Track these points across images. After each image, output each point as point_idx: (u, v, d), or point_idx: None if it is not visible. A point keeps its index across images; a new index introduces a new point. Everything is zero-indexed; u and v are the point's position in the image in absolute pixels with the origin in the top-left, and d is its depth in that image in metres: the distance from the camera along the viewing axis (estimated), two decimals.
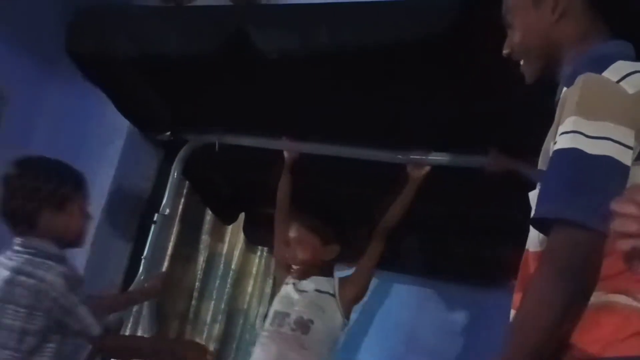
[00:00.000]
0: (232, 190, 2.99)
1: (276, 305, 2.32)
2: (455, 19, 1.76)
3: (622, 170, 1.04)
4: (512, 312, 1.18)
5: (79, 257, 3.14)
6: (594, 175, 1.05)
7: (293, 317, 2.22)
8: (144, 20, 2.29)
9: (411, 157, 2.33)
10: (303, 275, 2.30)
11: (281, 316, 2.25)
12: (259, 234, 3.02)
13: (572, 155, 1.06)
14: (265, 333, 2.28)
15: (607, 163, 1.03)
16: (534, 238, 1.18)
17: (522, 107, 1.81)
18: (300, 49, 2.03)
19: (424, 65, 1.95)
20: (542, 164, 1.18)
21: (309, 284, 2.29)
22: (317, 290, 2.28)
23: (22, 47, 3.05)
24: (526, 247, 1.21)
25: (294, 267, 2.30)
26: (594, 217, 0.99)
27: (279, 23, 2.08)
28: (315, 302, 2.25)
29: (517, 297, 1.17)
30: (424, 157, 2.32)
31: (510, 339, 1.06)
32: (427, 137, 2.29)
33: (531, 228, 1.17)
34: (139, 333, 3.17)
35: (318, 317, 2.22)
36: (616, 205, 0.85)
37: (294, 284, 2.31)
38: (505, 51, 1.36)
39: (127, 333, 3.18)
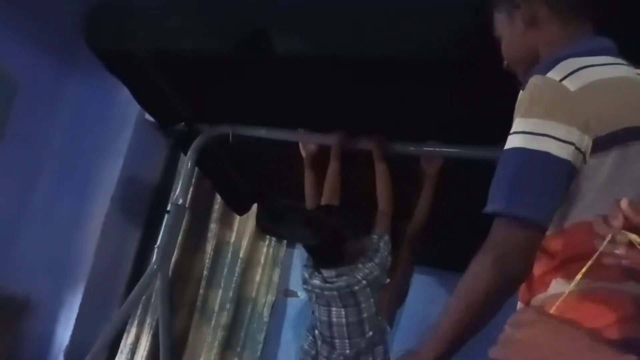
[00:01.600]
0: (245, 182, 3.00)
1: None
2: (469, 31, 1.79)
3: (560, 165, 1.11)
4: (519, 304, 1.25)
5: (88, 245, 3.18)
6: (534, 171, 1.13)
7: None
8: (163, 14, 2.29)
9: (424, 148, 2.35)
10: None
11: None
12: (272, 225, 3.04)
13: (514, 154, 1.15)
14: None
15: (545, 159, 1.11)
16: None
17: None
18: (319, 49, 2.04)
19: (437, 70, 1.97)
20: None
21: None
22: None
23: (36, 37, 3.07)
24: None
25: None
26: (530, 211, 1.11)
27: (299, 20, 2.08)
28: None
29: (523, 288, 1.23)
30: (437, 149, 2.34)
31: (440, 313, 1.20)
32: (440, 132, 2.32)
33: None
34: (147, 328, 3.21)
35: None
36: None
37: None
38: (504, 63, 1.46)
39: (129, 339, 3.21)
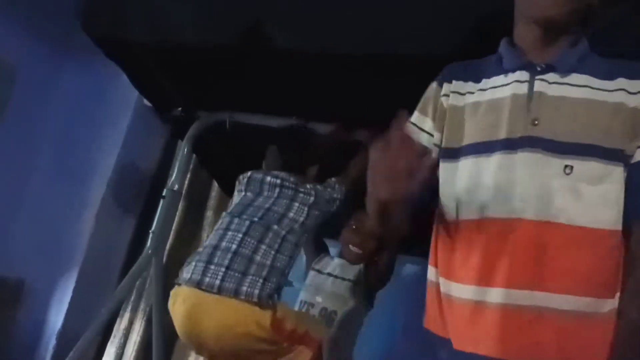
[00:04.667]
0: (241, 168, 3.00)
1: None
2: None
3: None
4: (573, 298, 1.16)
5: (83, 230, 3.18)
6: None
7: None
8: (161, 2, 2.28)
9: None
10: None
11: None
12: None
13: None
14: None
15: None
16: (609, 217, 1.19)
17: None
18: (317, 45, 2.03)
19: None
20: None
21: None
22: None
23: (32, 24, 3.04)
24: (582, 225, 1.18)
25: None
26: None
27: (297, 14, 2.07)
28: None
29: (578, 278, 1.16)
30: None
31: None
32: None
33: (600, 206, 1.19)
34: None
35: None
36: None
37: None
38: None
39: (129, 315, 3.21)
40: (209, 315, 1.89)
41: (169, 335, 3.05)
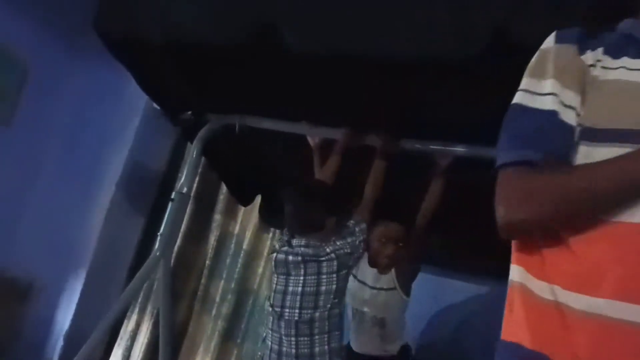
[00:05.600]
0: (250, 172, 3.00)
1: None
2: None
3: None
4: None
5: (92, 231, 3.19)
6: None
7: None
8: (174, 3, 2.27)
9: (431, 147, 2.36)
10: None
11: None
12: (274, 216, 3.04)
13: None
14: None
15: None
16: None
17: None
18: (329, 49, 2.01)
19: (444, 71, 1.95)
20: None
21: None
22: None
23: (45, 22, 3.06)
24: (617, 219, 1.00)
25: None
26: None
27: (309, 16, 2.05)
28: None
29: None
30: (444, 148, 2.34)
31: None
32: (450, 131, 2.30)
33: None
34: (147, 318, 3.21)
35: None
36: None
37: None
38: None
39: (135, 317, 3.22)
40: None
41: (176, 337, 3.06)
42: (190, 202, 3.17)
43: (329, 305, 2.10)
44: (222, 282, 3.26)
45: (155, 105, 3.06)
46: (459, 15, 1.82)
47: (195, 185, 3.21)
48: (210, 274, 3.30)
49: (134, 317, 3.22)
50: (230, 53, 2.25)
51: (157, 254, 2.68)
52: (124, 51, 2.47)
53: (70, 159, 3.30)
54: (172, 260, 2.93)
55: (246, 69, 2.33)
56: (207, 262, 3.30)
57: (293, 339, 2.10)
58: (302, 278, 2.12)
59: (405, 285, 2.41)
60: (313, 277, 2.11)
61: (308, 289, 2.11)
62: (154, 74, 2.56)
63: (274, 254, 2.23)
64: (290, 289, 2.13)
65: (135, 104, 3.25)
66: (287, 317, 2.12)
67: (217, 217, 3.33)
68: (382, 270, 2.42)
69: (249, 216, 3.30)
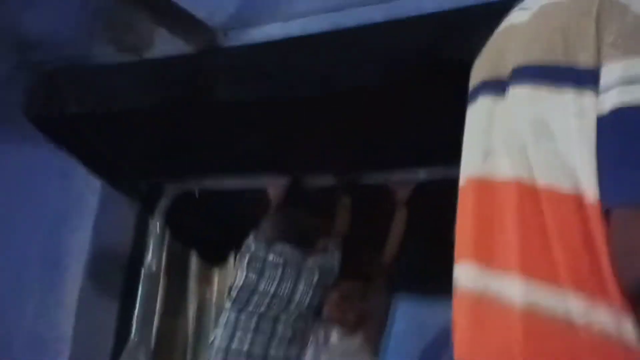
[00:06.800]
0: (218, 232, 2.94)
1: None
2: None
3: None
4: None
5: (65, 321, 3.05)
6: None
7: None
8: (103, 76, 2.24)
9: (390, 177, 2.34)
10: None
11: None
12: None
13: None
14: None
15: None
16: None
17: None
18: (263, 94, 2.00)
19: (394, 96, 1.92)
20: None
21: None
22: None
23: None
24: None
25: None
26: None
27: (239, 68, 2.04)
28: None
29: None
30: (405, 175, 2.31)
31: None
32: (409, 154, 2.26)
33: None
34: None
35: None
36: None
37: None
38: None
39: None
40: None
41: None
42: (162, 276, 3.07)
43: (297, 314, 2.04)
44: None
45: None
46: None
47: (164, 258, 3.10)
48: (196, 349, 3.17)
49: None
50: (162, 116, 2.22)
51: (136, 339, 2.58)
52: (59, 133, 2.43)
53: (27, 250, 3.17)
54: (152, 343, 2.81)
55: (185, 127, 2.30)
56: (190, 338, 3.17)
57: (250, 334, 1.99)
58: (276, 283, 2.06)
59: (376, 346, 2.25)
60: (289, 284, 2.06)
61: (281, 292, 2.05)
62: (95, 151, 2.52)
63: (251, 245, 2.15)
64: (262, 288, 2.06)
65: (90, 182, 3.14)
66: (250, 310, 2.02)
67: (192, 285, 3.22)
68: (351, 329, 2.25)
69: (224, 279, 3.20)
